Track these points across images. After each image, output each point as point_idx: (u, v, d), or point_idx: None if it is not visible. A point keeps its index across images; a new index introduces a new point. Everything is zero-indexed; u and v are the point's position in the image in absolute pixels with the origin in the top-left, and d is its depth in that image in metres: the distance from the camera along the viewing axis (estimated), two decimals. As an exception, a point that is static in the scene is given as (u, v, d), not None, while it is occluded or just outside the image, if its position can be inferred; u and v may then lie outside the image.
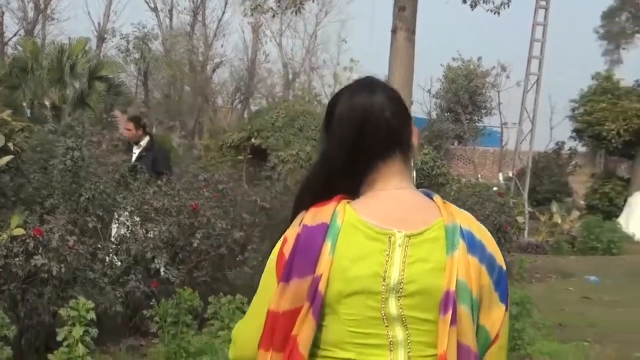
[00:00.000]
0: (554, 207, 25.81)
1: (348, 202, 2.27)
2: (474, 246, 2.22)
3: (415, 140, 2.39)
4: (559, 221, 24.47)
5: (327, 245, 2.16)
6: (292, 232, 2.25)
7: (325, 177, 2.32)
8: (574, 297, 14.49)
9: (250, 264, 10.33)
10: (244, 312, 8.86)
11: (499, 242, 10.35)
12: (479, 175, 40.33)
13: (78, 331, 7.25)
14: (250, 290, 10.13)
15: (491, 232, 7.92)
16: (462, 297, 2.14)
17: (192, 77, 42.71)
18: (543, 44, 27.60)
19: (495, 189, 23.55)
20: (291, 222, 2.33)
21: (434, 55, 66.42)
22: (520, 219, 21.53)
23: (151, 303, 8.64)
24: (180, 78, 42.70)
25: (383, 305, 2.14)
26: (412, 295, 2.14)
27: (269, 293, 2.24)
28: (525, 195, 26.35)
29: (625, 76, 40.61)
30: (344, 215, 2.21)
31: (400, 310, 2.14)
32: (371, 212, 2.23)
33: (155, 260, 9.17)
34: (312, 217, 2.23)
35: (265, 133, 23.91)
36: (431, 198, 2.35)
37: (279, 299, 2.20)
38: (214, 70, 45.56)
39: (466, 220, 2.29)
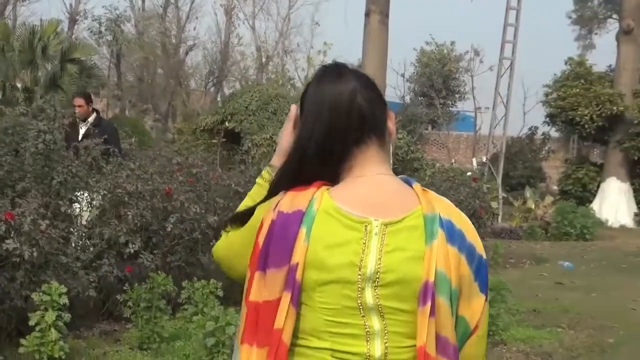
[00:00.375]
0: (528, 192, 25.95)
1: (327, 189, 2.23)
2: (453, 235, 2.18)
3: (391, 125, 2.37)
4: (533, 206, 24.59)
5: (302, 232, 2.13)
6: (267, 219, 2.20)
7: (301, 164, 2.27)
8: (548, 282, 14.56)
9: (225, 248, 10.28)
10: (218, 297, 8.88)
11: (473, 227, 10.29)
12: (453, 160, 40.45)
13: (51, 316, 7.20)
14: (224, 275, 10.13)
15: None
16: (441, 287, 2.12)
17: (164, 59, 42.53)
18: (516, 28, 27.65)
19: (469, 174, 23.63)
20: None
21: (408, 39, 66.56)
22: (494, 204, 21.67)
23: (124, 288, 8.60)
24: (153, 61, 42.50)
25: (359, 295, 2.11)
26: (389, 284, 2.11)
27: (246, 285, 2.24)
28: (499, 181, 26.44)
29: (597, 61, 40.86)
30: (321, 202, 2.18)
31: (377, 300, 2.11)
32: (348, 199, 2.19)
33: (129, 245, 9.11)
34: (289, 202, 2.19)
35: (239, 116, 23.83)
36: (410, 185, 2.32)
37: (257, 289, 2.16)
38: (186, 53, 45.41)
39: (446, 208, 2.25)
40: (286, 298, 2.11)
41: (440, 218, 2.19)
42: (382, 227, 2.15)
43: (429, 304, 2.08)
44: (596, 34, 46.66)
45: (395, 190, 2.27)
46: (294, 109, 2.44)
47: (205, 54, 46.26)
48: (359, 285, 2.11)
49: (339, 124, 2.24)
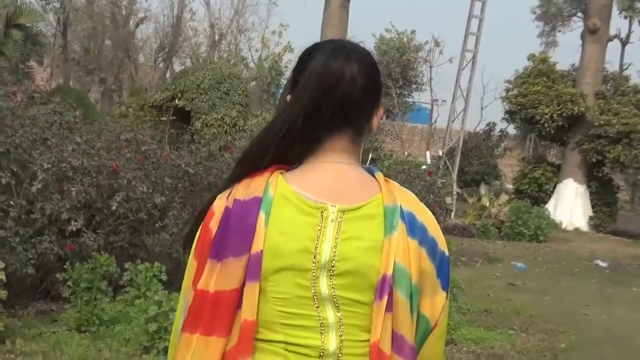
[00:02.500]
0: (483, 189, 26.06)
1: (281, 173, 2.20)
2: (414, 228, 2.15)
3: (375, 122, 2.32)
4: (487, 204, 24.73)
5: (262, 218, 2.09)
6: (219, 205, 2.16)
7: (276, 141, 2.20)
8: (500, 283, 14.68)
9: (170, 230, 10.27)
10: (161, 281, 8.82)
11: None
12: (407, 152, 40.55)
13: (-14, 292, 7.10)
14: (168, 258, 10.08)
15: None
16: (400, 282, 2.09)
17: (113, 31, 42.14)
18: (481, 20, 27.81)
19: (424, 167, 23.67)
20: (224, 187, 2.26)
21: (367, 25, 66.56)
22: (448, 199, 21.80)
23: (64, 266, 8.51)
24: (101, 31, 42.08)
25: (313, 284, 2.07)
26: (344, 274, 2.08)
27: (189, 272, 2.21)
28: (454, 176, 26.58)
29: (559, 59, 41.13)
30: (277, 187, 2.14)
31: (332, 290, 2.08)
32: (305, 184, 2.16)
33: (72, 222, 9.00)
34: (244, 190, 2.15)
35: (190, 94, 23.71)
36: (373, 175, 2.28)
37: (209, 277, 2.12)
38: (137, 26, 44.94)
39: (408, 200, 2.22)
40: (252, 288, 2.07)
41: (401, 209, 2.16)
42: (339, 214, 2.12)
43: (385, 298, 2.06)
44: (560, 31, 46.91)
45: (355, 178, 2.23)
46: None
47: (157, 28, 45.90)
48: (313, 274, 2.08)
49: (332, 104, 2.18)
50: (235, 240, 2.09)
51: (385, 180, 2.25)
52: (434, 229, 2.23)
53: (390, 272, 2.07)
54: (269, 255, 2.07)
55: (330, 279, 2.07)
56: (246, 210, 2.10)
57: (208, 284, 2.11)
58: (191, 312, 2.14)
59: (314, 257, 2.07)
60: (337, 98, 2.17)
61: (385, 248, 2.09)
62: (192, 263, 2.19)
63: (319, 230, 2.09)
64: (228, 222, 2.11)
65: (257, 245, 2.07)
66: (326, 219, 2.10)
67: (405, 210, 2.16)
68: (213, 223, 2.14)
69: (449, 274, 2.27)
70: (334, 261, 2.07)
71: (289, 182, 2.15)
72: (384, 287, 2.06)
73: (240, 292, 2.08)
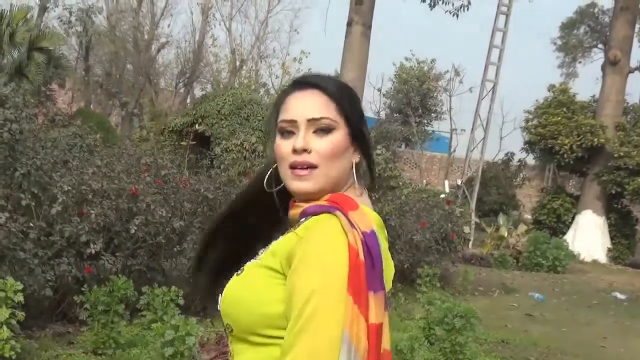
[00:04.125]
0: (501, 219, 25.97)
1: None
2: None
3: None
4: (505, 234, 24.64)
5: (381, 252, 2.15)
6: (354, 237, 2.10)
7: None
8: (517, 313, 14.58)
9: (188, 255, 10.27)
10: (178, 305, 8.82)
11: (443, 251, 10.46)
12: (425, 181, 40.47)
13: (4, 313, 7.10)
14: (185, 282, 10.06)
15: (437, 241, 8.07)
16: None
17: (135, 55, 42.29)
18: (501, 50, 27.81)
19: (443, 195, 23.61)
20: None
21: (387, 53, 66.58)
22: (466, 229, 21.67)
23: (82, 289, 8.52)
24: (123, 56, 42.25)
25: None
26: None
27: (341, 312, 2.02)
28: (473, 205, 26.52)
29: (579, 90, 41.03)
30: (371, 217, 2.23)
31: None
32: (371, 207, 2.31)
33: (90, 245, 9.01)
34: (361, 222, 2.15)
35: (210, 120, 23.74)
36: None
37: (376, 310, 2.08)
38: (158, 50, 45.08)
39: None
40: (386, 318, 2.15)
41: None
42: None
43: None
44: (580, 62, 46.81)
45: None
46: None
47: (178, 53, 45.99)
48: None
49: None
50: (379, 273, 2.11)
51: None
52: None
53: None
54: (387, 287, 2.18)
55: None
56: (373, 243, 2.12)
57: (377, 316, 2.09)
58: (372, 348, 2.07)
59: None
60: None
61: None
62: (341, 302, 2.02)
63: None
64: (370, 254, 2.11)
65: (386, 280, 2.15)
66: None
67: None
68: (361, 255, 2.08)
69: None
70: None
71: (373, 211, 2.30)
72: None
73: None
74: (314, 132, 2.24)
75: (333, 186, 2.26)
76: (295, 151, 2.23)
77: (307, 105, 2.26)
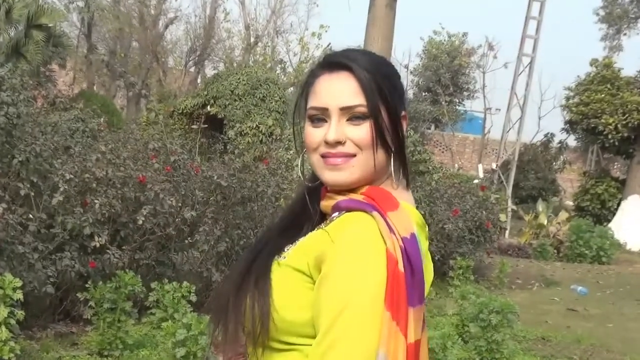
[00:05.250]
0: (540, 206, 25.90)
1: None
2: None
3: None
4: (545, 222, 24.57)
5: (422, 259, 2.10)
6: (393, 245, 2.03)
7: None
8: (558, 308, 14.54)
9: (200, 247, 10.28)
10: (190, 302, 8.83)
11: (477, 241, 10.45)
12: (456, 165, 40.39)
13: (2, 312, 7.12)
14: (198, 277, 10.08)
15: (470, 230, 8.09)
16: None
17: (141, 32, 42.31)
18: (539, 22, 27.68)
19: (476, 181, 23.58)
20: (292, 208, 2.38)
21: (414, 26, 66.38)
22: (502, 217, 21.62)
23: (86, 285, 8.53)
24: (128, 33, 42.28)
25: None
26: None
27: (376, 328, 1.97)
28: (509, 191, 26.45)
29: (625, 65, 40.70)
30: (412, 215, 2.17)
31: None
32: (414, 206, 2.25)
33: (95, 237, 9.02)
34: (401, 225, 2.08)
35: (223, 101, 23.73)
36: None
37: (415, 327, 2.05)
38: (166, 27, 45.07)
39: None
40: (425, 337, 2.15)
41: None
42: None
43: None
44: (625, 34, 46.45)
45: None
46: None
47: (188, 29, 45.92)
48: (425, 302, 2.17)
49: None
50: (419, 284, 2.07)
51: None
52: None
53: None
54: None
55: None
56: (413, 249, 2.06)
57: (416, 334, 2.06)
58: None
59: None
60: None
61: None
62: (376, 317, 1.96)
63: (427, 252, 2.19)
64: (409, 263, 2.04)
65: (427, 288, 2.14)
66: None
67: None
68: (401, 266, 2.02)
69: None
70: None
71: (414, 208, 2.24)
72: None
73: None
74: (348, 119, 2.16)
75: (371, 178, 2.19)
76: (327, 143, 2.16)
77: (339, 91, 2.18)
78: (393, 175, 2.22)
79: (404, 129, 2.25)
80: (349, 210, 2.11)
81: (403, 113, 2.24)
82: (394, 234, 2.02)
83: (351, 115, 2.15)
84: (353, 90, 2.16)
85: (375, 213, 2.06)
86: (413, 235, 2.06)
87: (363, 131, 2.14)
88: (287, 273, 2.10)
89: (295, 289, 2.07)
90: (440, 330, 9.05)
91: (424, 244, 2.13)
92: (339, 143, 2.15)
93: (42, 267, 8.47)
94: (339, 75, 2.19)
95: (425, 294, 2.11)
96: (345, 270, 1.98)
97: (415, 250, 2.03)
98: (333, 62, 2.24)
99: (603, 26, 46.28)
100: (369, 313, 1.94)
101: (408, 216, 2.10)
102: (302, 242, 2.16)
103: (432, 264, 2.22)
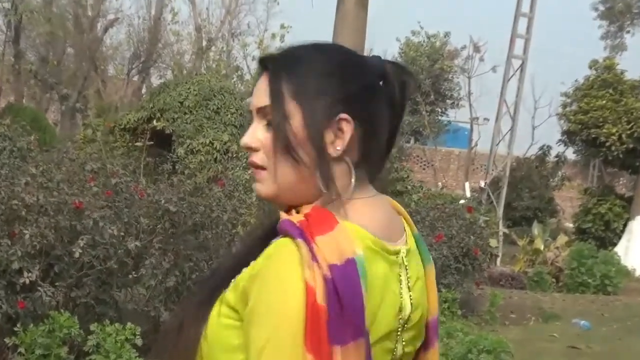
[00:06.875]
0: (536, 229, 26.03)
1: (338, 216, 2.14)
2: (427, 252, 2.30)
3: None
4: (542, 248, 24.68)
5: (363, 286, 2.02)
6: (312, 275, 1.99)
7: None
8: (558, 346, 14.57)
9: (147, 283, 10.24)
10: (135, 347, 8.78)
11: (465, 271, 10.50)
12: (440, 183, 40.55)
13: None
14: (144, 318, 10.04)
15: (457, 258, 8.14)
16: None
17: (77, 36, 42.26)
18: (531, 19, 27.86)
19: (462, 202, 23.65)
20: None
21: (386, 26, 66.66)
22: (493, 242, 21.69)
23: (15, 329, 8.47)
24: (61, 37, 42.21)
25: (396, 346, 2.15)
26: (414, 325, 2.18)
27: None
28: (500, 213, 26.55)
29: (629, 67, 40.93)
30: (358, 239, 2.08)
31: (403, 347, 2.16)
32: (374, 225, 2.15)
33: (24, 273, 8.97)
34: (332, 251, 2.02)
35: (172, 114, 23.74)
36: None
37: None
38: (106, 30, 45.09)
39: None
40: None
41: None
42: (405, 256, 2.18)
43: (436, 343, 2.23)
44: (629, 32, 46.81)
45: (392, 209, 2.30)
46: None
47: (130, 32, 46.00)
48: (398, 334, 2.14)
49: None
50: (353, 317, 2.00)
51: (395, 203, 2.35)
52: None
53: (436, 315, 2.24)
54: (372, 329, 2.05)
55: (404, 334, 2.15)
56: (349, 277, 2.00)
57: None
58: None
59: (399, 313, 2.14)
60: None
61: (429, 284, 2.25)
62: (297, 357, 1.96)
63: (400, 280, 2.15)
64: (336, 295, 1.99)
65: (368, 321, 2.03)
66: (402, 265, 2.17)
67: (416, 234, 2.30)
68: (321, 299, 1.97)
69: None
70: (410, 314, 2.16)
71: (362, 226, 2.13)
72: (436, 330, 2.23)
73: None
74: (267, 123, 2.17)
75: (300, 192, 2.17)
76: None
77: (256, 90, 2.22)
78: (323, 188, 2.14)
79: (346, 134, 2.14)
80: (284, 234, 2.08)
81: (341, 116, 2.14)
82: (317, 262, 1.98)
83: (266, 118, 2.17)
84: (264, 89, 2.18)
85: (299, 240, 2.02)
86: (350, 261, 2.00)
87: (269, 137, 2.15)
88: (221, 309, 2.10)
89: (227, 328, 2.07)
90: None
91: (376, 269, 2.07)
92: (249, 148, 2.18)
93: (-36, 308, 8.42)
94: (263, 74, 2.23)
95: (389, 328, 2.08)
96: (262, 308, 1.97)
97: (348, 278, 1.98)
98: (259, 61, 2.29)
99: (603, 23, 46.60)
100: (287, 355, 1.93)
101: (347, 239, 2.04)
102: (242, 274, 2.11)
103: (397, 295, 2.13)
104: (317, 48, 2.27)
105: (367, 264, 2.03)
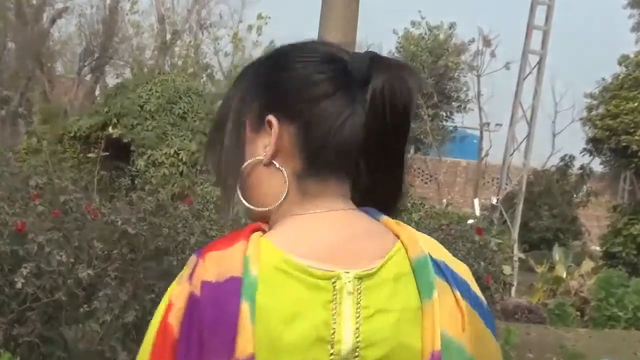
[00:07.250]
0: (557, 253, 26.08)
1: (260, 235, 2.18)
2: (457, 282, 2.23)
3: None
4: (564, 275, 24.71)
5: (245, 309, 2.03)
6: (179, 291, 2.09)
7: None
8: (584, 390, 14.63)
9: (101, 318, 10.22)
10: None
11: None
12: (445, 200, 40.60)
13: None
14: (97, 358, 10.03)
15: None
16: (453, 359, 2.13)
17: (19, 29, 42.31)
18: (550, 8, 27.84)
19: (470, 222, 23.69)
20: None
21: (382, 16, 66.79)
22: (506, 269, 21.70)
23: (-53, 373, 8.49)
24: (2, 30, 42.26)
25: None
26: None
27: None
28: (515, 235, 26.58)
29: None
30: (262, 258, 2.10)
31: None
32: (303, 246, 2.15)
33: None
34: (214, 267, 2.09)
35: (130, 120, 23.79)
36: (377, 219, 2.31)
37: None
38: (53, 21, 45.13)
39: (434, 246, 2.29)
40: None
41: (434, 261, 2.21)
42: (356, 283, 2.12)
43: None
44: (663, 22, 47.05)
45: (364, 228, 2.25)
46: None
47: (82, 24, 46.04)
48: None
49: None
50: (212, 341, 2.02)
51: (397, 223, 2.30)
52: (472, 282, 2.32)
53: (437, 347, 2.11)
54: (267, 353, 2.04)
55: None
56: (221, 296, 2.05)
57: None
58: None
59: (331, 346, 2.08)
60: None
61: (426, 316, 2.14)
62: None
63: (333, 309, 2.10)
64: (198, 315, 2.04)
65: (244, 348, 2.02)
66: (340, 291, 2.11)
67: (438, 261, 2.23)
68: (173, 318, 2.04)
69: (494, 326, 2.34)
70: (358, 350, 2.09)
71: (279, 247, 2.13)
72: None
73: None
74: None
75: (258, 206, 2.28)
76: None
77: None
78: (244, 201, 2.27)
79: (273, 134, 2.20)
80: None
81: (268, 117, 2.21)
82: (191, 279, 2.06)
83: None
84: None
85: (193, 256, 2.13)
86: (231, 280, 2.04)
87: None
88: None
89: None
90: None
91: (281, 291, 2.07)
92: None
93: None
94: None
95: (302, 358, 2.06)
96: None
97: (221, 296, 2.03)
98: None
99: (635, 12, 46.73)
100: None
101: (238, 257, 2.09)
102: None
103: (332, 321, 2.09)
104: (260, 58, 2.39)
105: (262, 285, 2.05)
